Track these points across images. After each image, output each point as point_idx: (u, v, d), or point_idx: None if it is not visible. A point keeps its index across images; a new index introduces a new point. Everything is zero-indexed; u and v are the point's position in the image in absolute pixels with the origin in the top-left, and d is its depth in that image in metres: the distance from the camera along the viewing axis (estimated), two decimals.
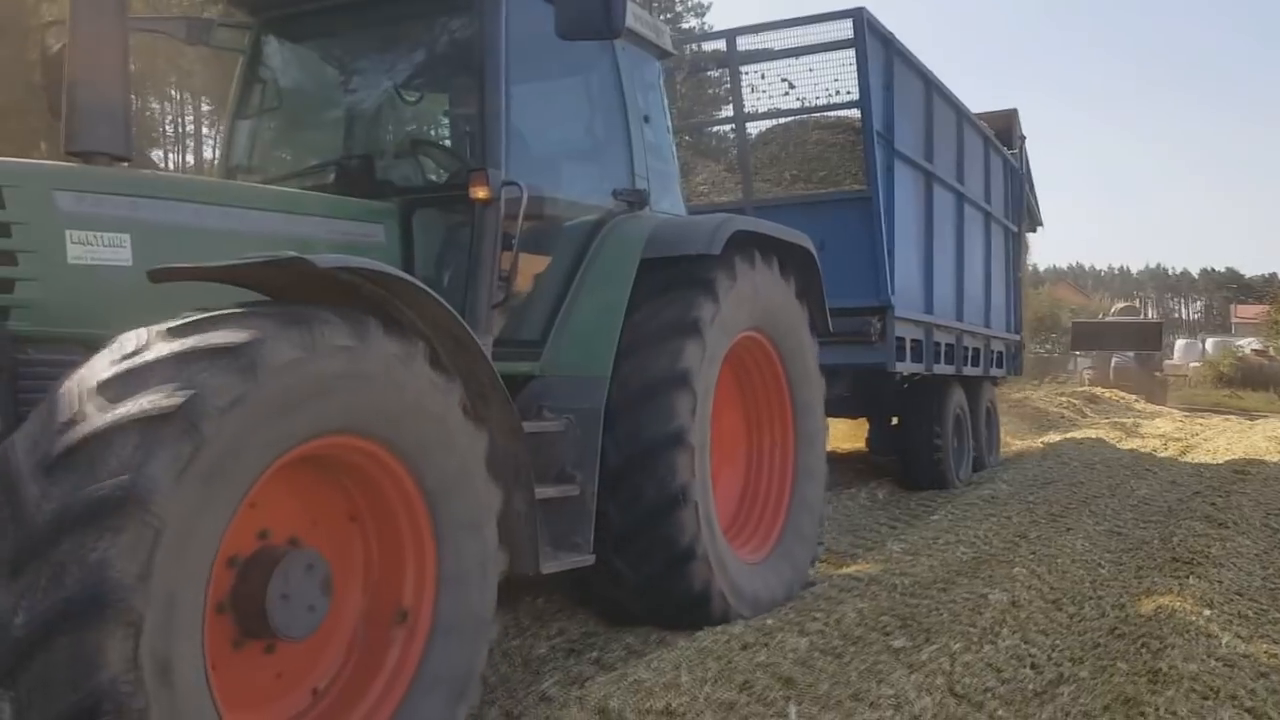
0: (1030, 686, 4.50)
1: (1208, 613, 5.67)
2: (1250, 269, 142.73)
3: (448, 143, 5.67)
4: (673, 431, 5.22)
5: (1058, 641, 5.19)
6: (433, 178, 5.39)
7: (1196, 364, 47.00)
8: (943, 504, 10.24)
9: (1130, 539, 8.28)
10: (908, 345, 10.29)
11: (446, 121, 5.83)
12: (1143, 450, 16.42)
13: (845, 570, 7.06)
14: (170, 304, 3.29)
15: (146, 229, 3.93)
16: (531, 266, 5.36)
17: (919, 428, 11.43)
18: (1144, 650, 4.99)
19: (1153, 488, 11.60)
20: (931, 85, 11.27)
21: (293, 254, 3.37)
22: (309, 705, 3.54)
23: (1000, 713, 4.11)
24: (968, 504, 9.97)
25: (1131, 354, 33.73)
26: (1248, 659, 4.89)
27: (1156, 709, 4.12)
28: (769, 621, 5.29)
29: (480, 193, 4.83)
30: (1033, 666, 4.78)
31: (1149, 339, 33.85)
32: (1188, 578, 6.57)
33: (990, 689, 4.38)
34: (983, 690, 4.34)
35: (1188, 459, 15.31)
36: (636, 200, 5.94)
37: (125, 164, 4.10)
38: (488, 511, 3.86)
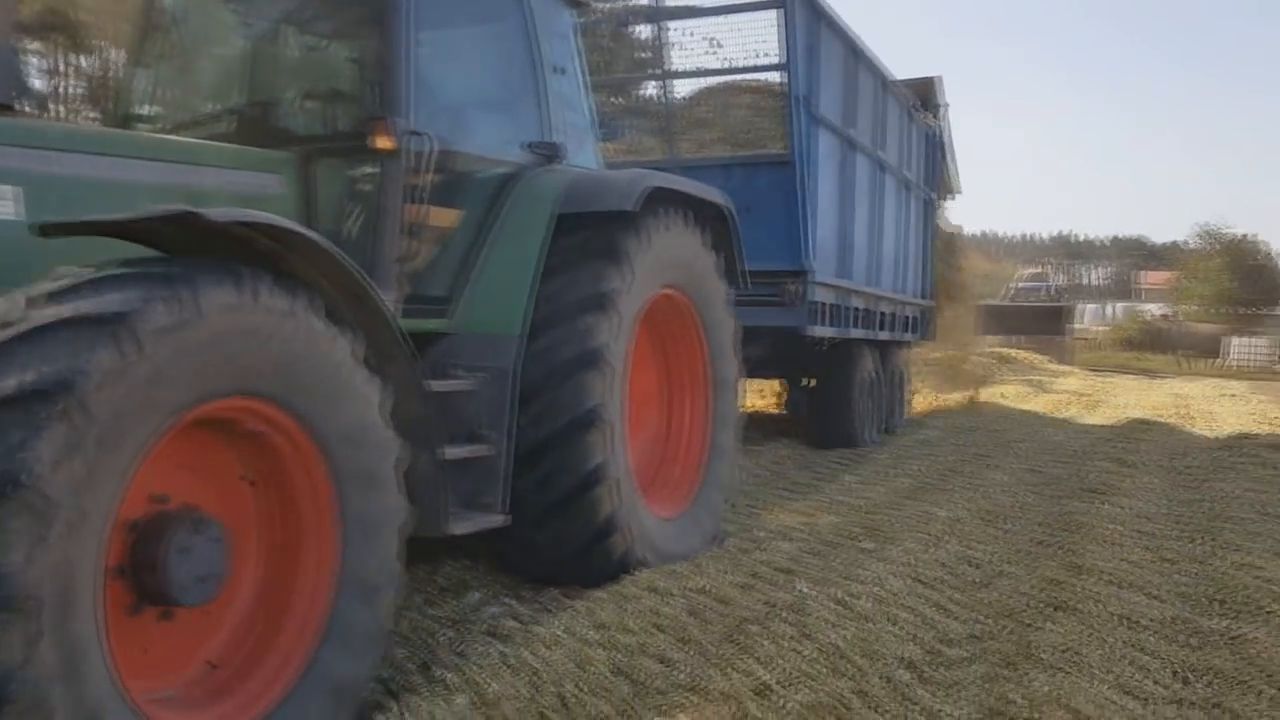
0: (974, 578, 5.59)
1: (1119, 528, 6.86)
2: (1160, 236, 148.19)
3: (350, 91, 5.46)
4: (587, 412, 5.28)
5: (993, 549, 6.29)
6: (336, 127, 5.29)
7: (1103, 328, 49.69)
8: (883, 446, 11.56)
9: (1047, 475, 9.53)
10: (825, 310, 10.76)
11: (349, 68, 5.62)
12: (1054, 404, 17.90)
13: (811, 497, 8.19)
14: (62, 258, 3.28)
15: (37, 181, 3.82)
16: (440, 220, 5.28)
17: (832, 389, 11.93)
18: (1065, 553, 6.18)
19: (1065, 435, 12.97)
20: (855, 51, 11.60)
21: (185, 208, 3.33)
22: (204, 675, 3.55)
23: (955, 596, 5.18)
24: (905, 446, 11.37)
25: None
26: (1152, 563, 6.06)
27: (1077, 590, 5.26)
28: (759, 534, 6.50)
29: (382, 141, 4.77)
30: (974, 565, 5.87)
31: (1054, 322, 35.72)
32: (1100, 505, 7.83)
33: (942, 579, 5.45)
34: (937, 580, 5.40)
35: (1097, 412, 16.76)
36: (550, 153, 5.89)
37: (9, 112, 4.10)
38: (388, 460, 3.84)
